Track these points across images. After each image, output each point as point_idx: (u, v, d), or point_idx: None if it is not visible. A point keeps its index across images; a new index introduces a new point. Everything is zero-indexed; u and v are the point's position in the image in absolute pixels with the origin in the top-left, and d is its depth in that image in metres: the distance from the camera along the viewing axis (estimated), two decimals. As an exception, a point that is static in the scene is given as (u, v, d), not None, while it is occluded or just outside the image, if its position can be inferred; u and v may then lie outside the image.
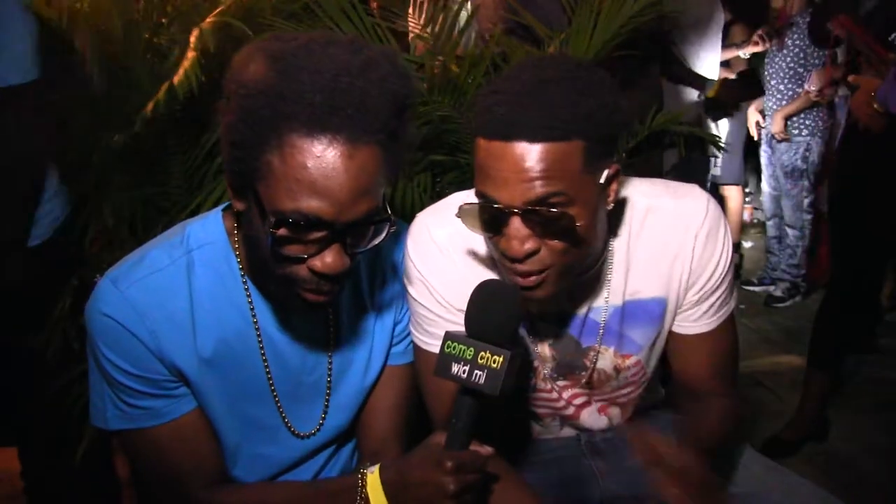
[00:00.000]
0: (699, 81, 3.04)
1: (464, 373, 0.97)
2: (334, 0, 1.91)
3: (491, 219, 1.04)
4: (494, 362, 0.96)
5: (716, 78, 3.44)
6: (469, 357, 0.97)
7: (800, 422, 2.67)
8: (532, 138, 0.96)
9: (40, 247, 1.72)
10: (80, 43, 1.89)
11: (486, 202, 1.03)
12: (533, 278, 1.04)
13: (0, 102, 1.53)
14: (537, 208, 0.99)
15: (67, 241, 1.82)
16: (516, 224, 1.01)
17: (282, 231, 0.94)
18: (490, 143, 0.99)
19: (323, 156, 0.91)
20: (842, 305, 2.62)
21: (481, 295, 1.00)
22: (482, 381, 0.96)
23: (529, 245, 1.01)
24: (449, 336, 1.00)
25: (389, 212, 1.00)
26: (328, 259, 0.96)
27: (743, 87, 3.79)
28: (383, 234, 1.01)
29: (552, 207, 0.99)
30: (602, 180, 1.03)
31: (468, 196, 1.18)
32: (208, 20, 1.80)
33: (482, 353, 0.97)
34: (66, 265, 1.80)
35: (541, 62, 1.04)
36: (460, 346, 0.98)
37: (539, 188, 0.98)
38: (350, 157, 0.92)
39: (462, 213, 1.07)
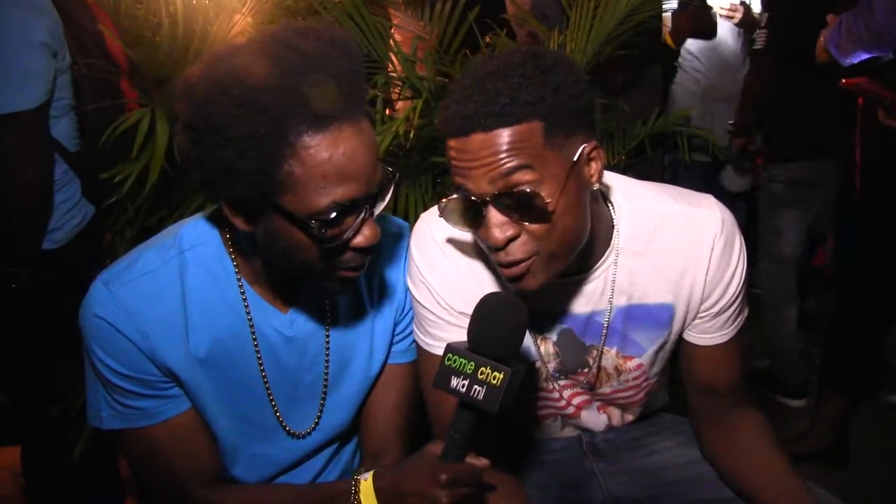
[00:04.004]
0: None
1: (463, 387, 0.96)
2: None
3: (468, 212, 1.05)
4: (494, 379, 0.95)
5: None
6: (469, 371, 0.96)
7: (810, 438, 2.55)
8: (486, 128, 0.98)
9: (64, 249, 1.76)
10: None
11: (460, 194, 1.04)
12: (520, 267, 1.04)
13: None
14: (507, 191, 1.00)
15: (89, 242, 1.86)
16: (492, 212, 1.02)
17: (325, 228, 0.97)
18: (453, 140, 1.02)
19: (338, 142, 0.95)
20: (852, 323, 2.49)
21: (485, 309, 1.00)
22: (481, 396, 0.95)
23: (509, 232, 1.02)
24: (450, 349, 0.99)
25: (388, 168, 1.04)
26: (368, 232, 1.01)
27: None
28: (391, 189, 1.05)
29: (521, 187, 0.99)
30: (575, 158, 1.03)
31: None
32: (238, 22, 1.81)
33: (483, 368, 0.96)
34: (88, 263, 1.82)
35: (493, 56, 1.07)
36: (461, 359, 0.97)
37: (503, 165, 0.99)
38: (359, 132, 0.97)
39: (444, 211, 1.08)
